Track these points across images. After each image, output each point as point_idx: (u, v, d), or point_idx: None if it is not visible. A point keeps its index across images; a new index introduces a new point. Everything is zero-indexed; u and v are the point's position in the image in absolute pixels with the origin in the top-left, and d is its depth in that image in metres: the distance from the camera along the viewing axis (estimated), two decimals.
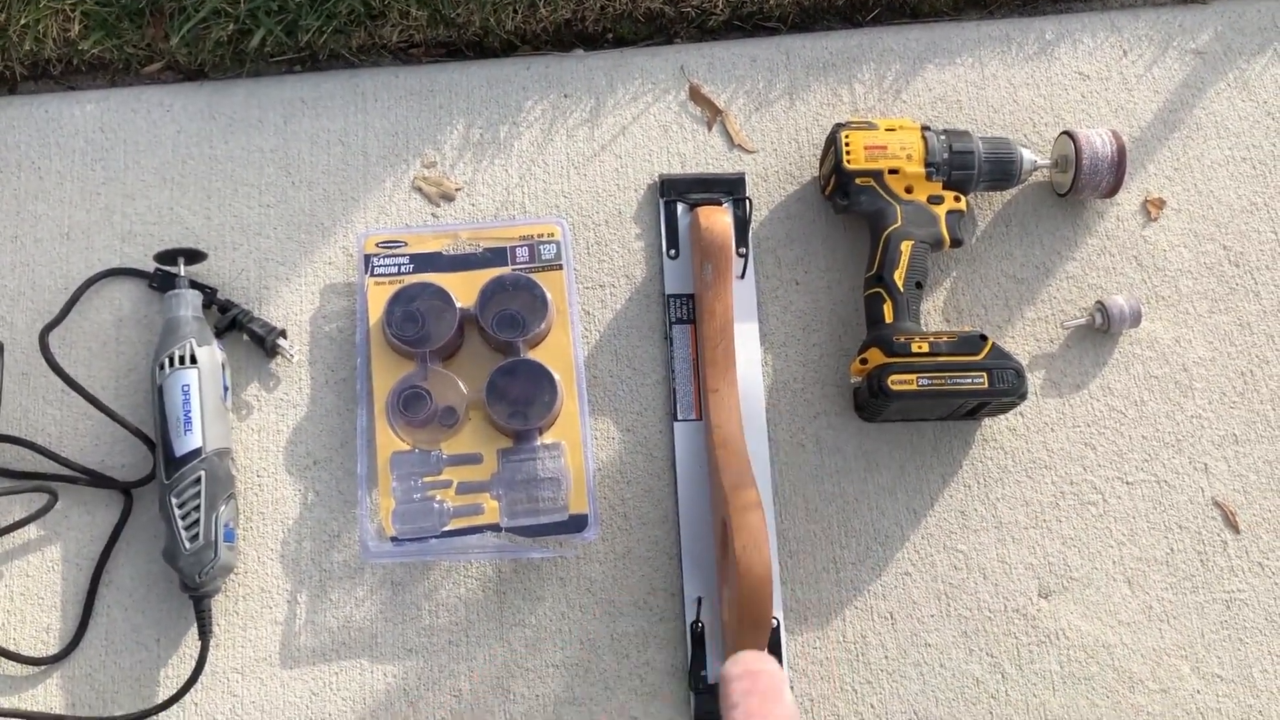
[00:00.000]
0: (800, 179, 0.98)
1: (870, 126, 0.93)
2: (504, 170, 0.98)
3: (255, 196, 0.96)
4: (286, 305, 0.93)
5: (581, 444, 0.88)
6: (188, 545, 0.83)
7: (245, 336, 0.91)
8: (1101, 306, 0.93)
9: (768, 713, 0.37)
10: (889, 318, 0.89)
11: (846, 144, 0.92)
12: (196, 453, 0.84)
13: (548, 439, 0.89)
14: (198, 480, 0.84)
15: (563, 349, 0.91)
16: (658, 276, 0.95)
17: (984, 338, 0.88)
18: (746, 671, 0.40)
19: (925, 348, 0.87)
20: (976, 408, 0.89)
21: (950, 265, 0.96)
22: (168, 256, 0.91)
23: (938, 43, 1.02)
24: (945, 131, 0.94)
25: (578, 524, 0.87)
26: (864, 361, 0.89)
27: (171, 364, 0.86)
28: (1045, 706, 0.86)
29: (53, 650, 0.86)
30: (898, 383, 0.86)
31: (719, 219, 0.91)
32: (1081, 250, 0.97)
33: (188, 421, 0.85)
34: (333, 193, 0.96)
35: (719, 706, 0.46)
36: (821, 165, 0.96)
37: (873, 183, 0.92)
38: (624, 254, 0.96)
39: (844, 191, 0.92)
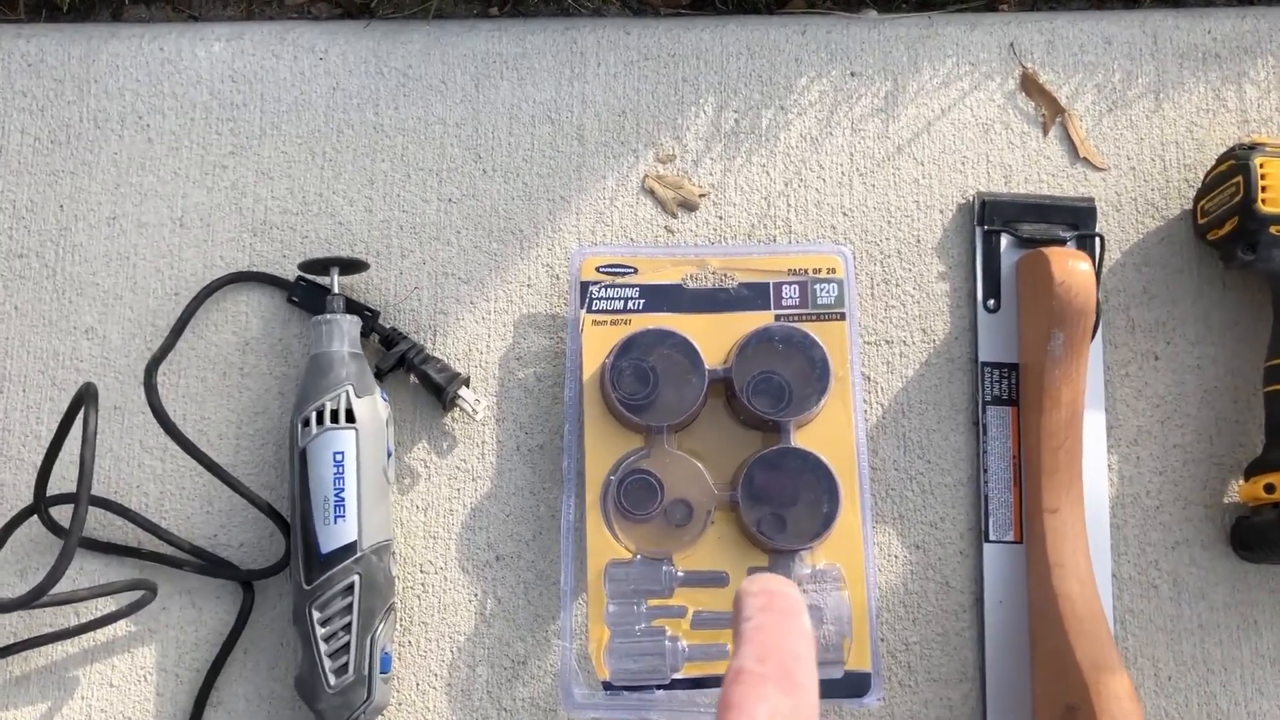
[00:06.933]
0: (1166, 212, 0.72)
1: None
2: (764, 172, 0.72)
3: (433, 186, 0.71)
4: (469, 338, 0.69)
5: (864, 570, 0.64)
6: (332, 681, 0.60)
7: (413, 378, 0.68)
8: None
9: (783, 629, 0.34)
10: None
11: (1262, 176, 0.65)
12: (349, 549, 0.61)
13: (820, 560, 0.65)
14: (349, 589, 0.61)
15: (841, 433, 0.66)
16: (968, 335, 0.70)
17: None
18: (764, 590, 0.36)
19: None
20: None
21: None
22: (317, 265, 0.67)
23: None
24: None
25: (855, 685, 0.63)
26: (1269, 488, 0.64)
27: (320, 421, 0.62)
28: None
29: None
30: None
31: (1080, 270, 0.65)
32: None
33: (339, 505, 0.61)
34: (536, 188, 0.71)
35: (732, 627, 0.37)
36: (1203, 197, 0.70)
37: None
38: (921, 299, 0.71)
39: (1250, 241, 0.66)
